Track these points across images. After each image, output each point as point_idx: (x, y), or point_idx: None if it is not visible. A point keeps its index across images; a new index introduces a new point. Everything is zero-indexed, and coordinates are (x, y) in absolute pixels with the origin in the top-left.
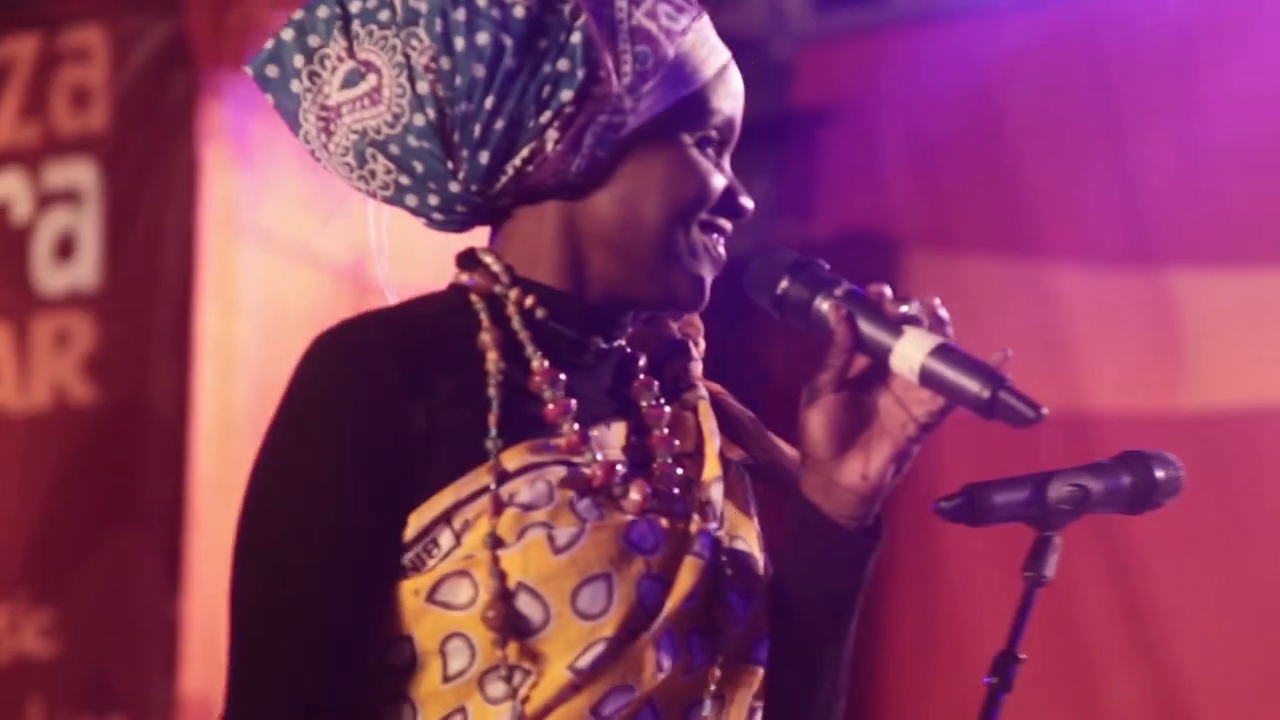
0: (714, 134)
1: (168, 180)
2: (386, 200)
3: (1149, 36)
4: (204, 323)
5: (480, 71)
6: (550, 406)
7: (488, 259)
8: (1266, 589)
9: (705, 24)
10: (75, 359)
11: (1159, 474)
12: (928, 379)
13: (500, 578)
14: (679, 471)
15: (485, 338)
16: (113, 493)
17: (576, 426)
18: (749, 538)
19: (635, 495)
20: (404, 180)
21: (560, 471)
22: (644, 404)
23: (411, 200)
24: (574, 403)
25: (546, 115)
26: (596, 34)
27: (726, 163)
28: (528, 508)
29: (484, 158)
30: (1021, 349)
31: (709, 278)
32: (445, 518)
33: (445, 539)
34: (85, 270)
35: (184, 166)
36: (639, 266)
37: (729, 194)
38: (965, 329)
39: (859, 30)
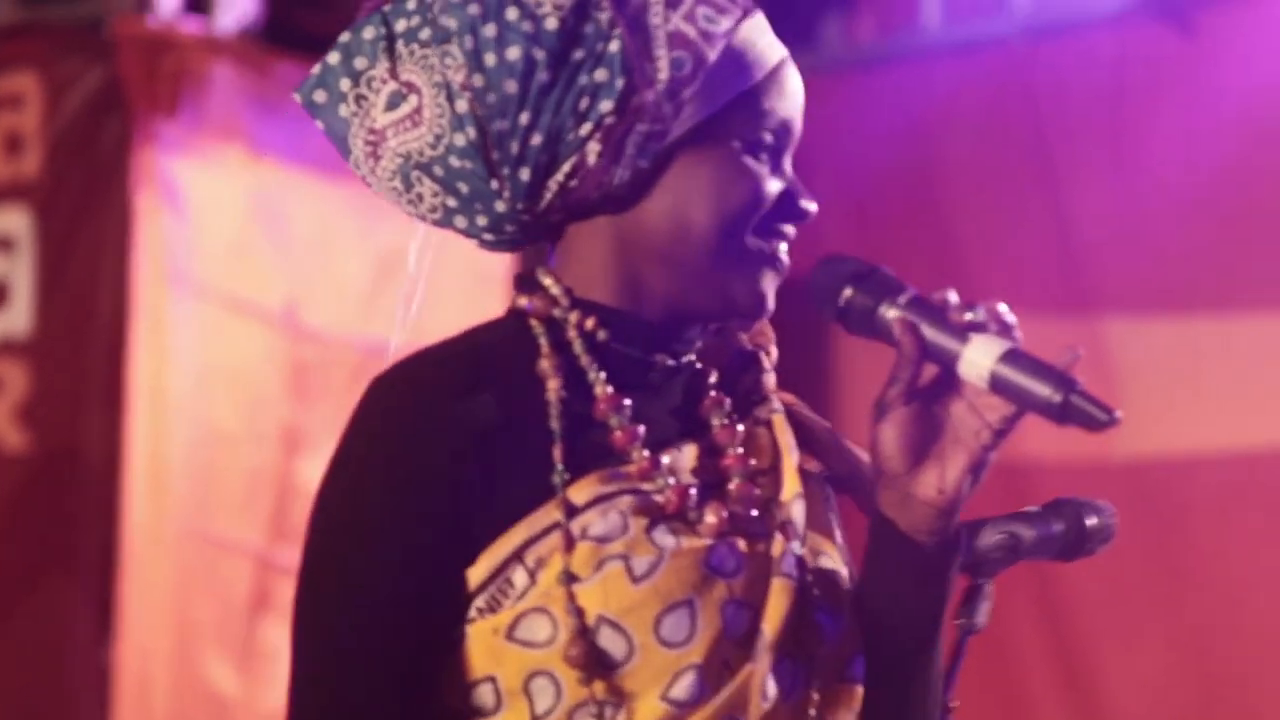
0: (767, 137)
1: (101, 227)
2: (436, 224)
3: (1082, 83)
4: (136, 370)
5: (513, 87)
6: (618, 434)
7: (546, 281)
8: (1199, 636)
9: (752, 25)
10: (8, 406)
11: (1090, 521)
12: (998, 385)
13: (578, 614)
14: (756, 491)
15: (544, 365)
16: (45, 540)
17: (646, 453)
18: (832, 553)
19: (711, 519)
20: (451, 202)
21: (631, 500)
22: (716, 423)
23: (461, 222)
24: (642, 429)
25: (586, 128)
26: (632, 41)
27: (787, 164)
28: (602, 540)
29: (525, 174)
30: None
31: (771, 285)
32: (517, 556)
33: (519, 577)
34: (18, 317)
35: (117, 213)
36: (694, 277)
37: (786, 197)
38: None
39: None
